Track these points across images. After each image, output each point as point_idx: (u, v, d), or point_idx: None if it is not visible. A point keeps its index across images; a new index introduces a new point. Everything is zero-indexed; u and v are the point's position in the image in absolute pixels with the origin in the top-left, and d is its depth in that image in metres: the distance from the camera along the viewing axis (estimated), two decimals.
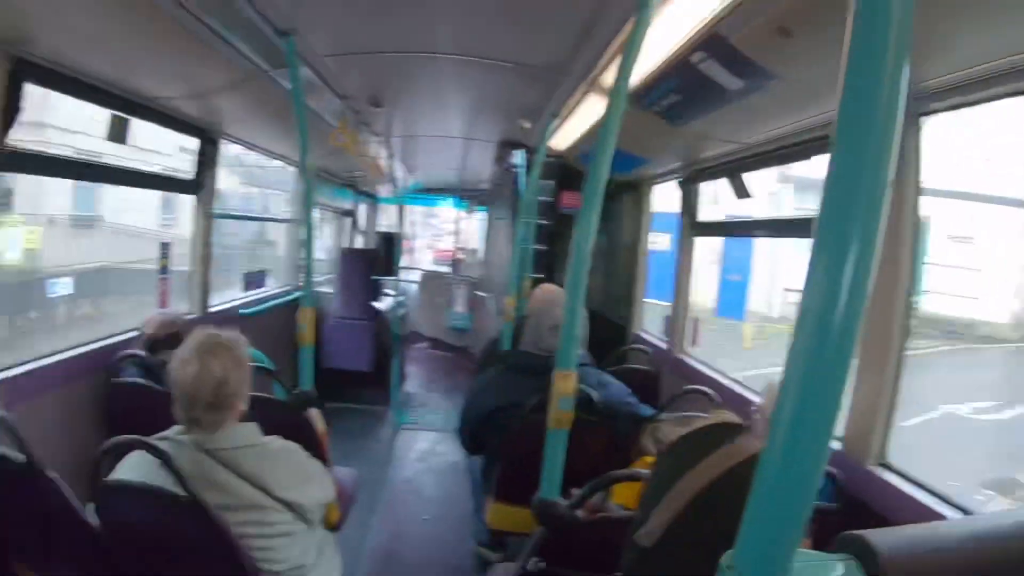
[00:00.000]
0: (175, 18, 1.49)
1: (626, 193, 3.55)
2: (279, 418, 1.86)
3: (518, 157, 3.45)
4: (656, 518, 0.54)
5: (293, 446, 1.37)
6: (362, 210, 6.07)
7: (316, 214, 4.82)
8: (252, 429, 1.31)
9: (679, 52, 1.59)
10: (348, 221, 5.43)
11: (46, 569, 1.33)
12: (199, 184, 2.69)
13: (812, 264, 0.44)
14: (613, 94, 1.19)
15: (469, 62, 2.06)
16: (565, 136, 2.96)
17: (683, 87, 1.79)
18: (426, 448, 3.79)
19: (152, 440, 1.22)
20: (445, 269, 7.53)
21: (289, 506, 1.29)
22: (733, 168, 2.33)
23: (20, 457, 1.21)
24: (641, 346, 2.99)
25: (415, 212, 9.46)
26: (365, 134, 3.01)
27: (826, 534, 1.38)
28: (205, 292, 2.79)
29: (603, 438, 1.88)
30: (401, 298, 4.68)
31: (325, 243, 5.34)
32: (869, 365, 1.52)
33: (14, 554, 1.33)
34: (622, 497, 1.75)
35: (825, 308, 0.43)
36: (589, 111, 2.40)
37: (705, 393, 2.05)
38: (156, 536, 1.27)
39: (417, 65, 2.11)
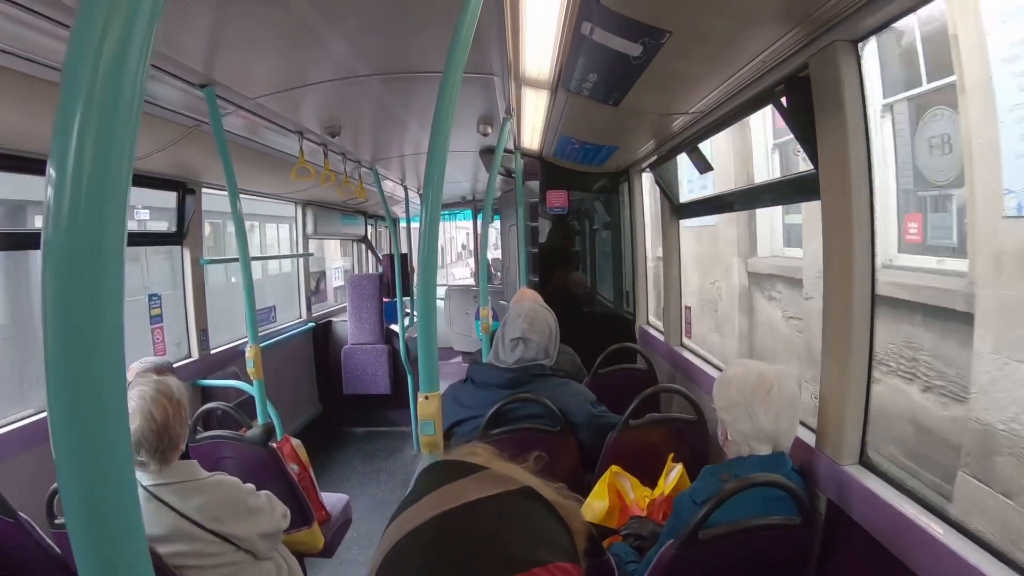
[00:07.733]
0: None
1: (622, 184, 3.39)
2: (247, 454, 1.90)
3: (512, 162, 3.39)
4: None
5: (230, 481, 1.40)
6: (384, 234, 6.22)
7: (316, 245, 4.98)
8: (189, 466, 1.36)
9: (568, 26, 1.49)
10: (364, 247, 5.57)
11: None
12: (182, 235, 2.84)
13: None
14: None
15: (397, 78, 2.03)
16: (531, 136, 2.87)
17: (593, 63, 1.67)
18: None
19: None
20: (471, 282, 7.53)
21: (224, 538, 1.33)
22: (691, 140, 2.15)
23: None
24: (635, 344, 2.80)
25: (448, 229, 9.57)
26: (340, 164, 3.06)
27: (801, 550, 1.19)
28: (204, 335, 2.93)
29: (575, 450, 1.80)
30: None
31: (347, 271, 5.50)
32: (834, 347, 1.33)
33: None
34: (590, 513, 1.64)
35: None
36: (534, 106, 2.32)
37: (679, 392, 1.87)
38: None
39: (353, 90, 2.10)
